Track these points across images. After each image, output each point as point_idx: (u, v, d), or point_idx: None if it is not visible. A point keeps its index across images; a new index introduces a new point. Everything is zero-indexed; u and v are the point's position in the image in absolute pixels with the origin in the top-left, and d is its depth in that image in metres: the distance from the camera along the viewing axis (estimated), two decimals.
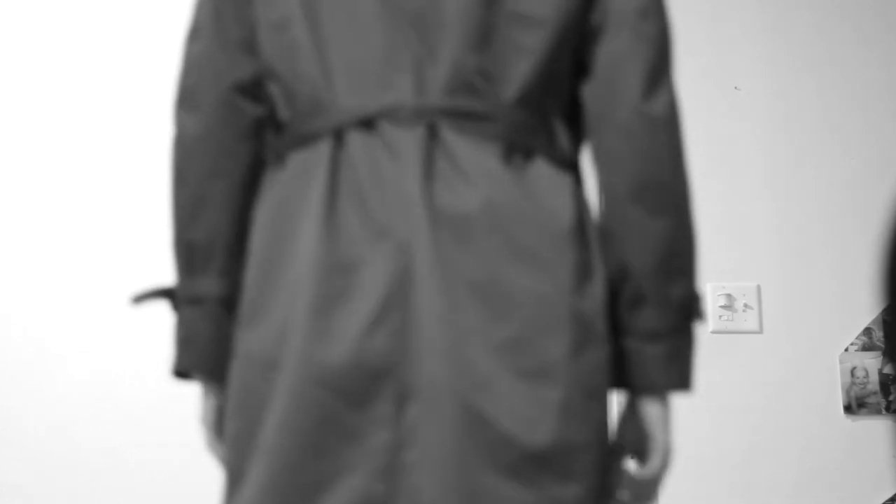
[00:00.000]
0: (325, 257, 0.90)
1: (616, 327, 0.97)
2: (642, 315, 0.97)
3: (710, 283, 2.35)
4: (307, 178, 0.94)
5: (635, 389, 1.00)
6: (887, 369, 2.30)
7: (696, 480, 2.29)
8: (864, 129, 2.44)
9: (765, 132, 2.44)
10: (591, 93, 0.99)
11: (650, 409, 1.01)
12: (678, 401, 2.43)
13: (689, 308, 1.00)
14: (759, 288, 2.36)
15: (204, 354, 1.03)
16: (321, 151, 0.94)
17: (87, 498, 2.25)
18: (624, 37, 0.97)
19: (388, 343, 0.88)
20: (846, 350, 2.33)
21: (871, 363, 2.32)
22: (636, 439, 1.02)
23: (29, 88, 2.41)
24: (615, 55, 0.97)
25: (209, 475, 2.25)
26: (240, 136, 1.02)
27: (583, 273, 0.93)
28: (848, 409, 2.31)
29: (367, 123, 0.93)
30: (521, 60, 0.96)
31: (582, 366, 0.91)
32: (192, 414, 2.11)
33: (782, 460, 2.29)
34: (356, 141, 0.93)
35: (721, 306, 2.34)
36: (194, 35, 1.05)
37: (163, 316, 2.01)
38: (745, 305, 2.35)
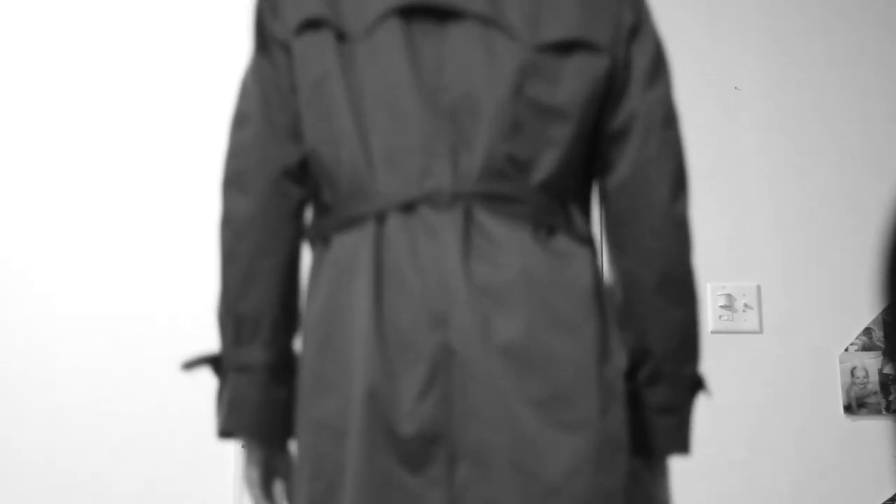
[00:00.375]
0: (375, 338, 0.99)
1: (631, 398, 1.07)
2: (657, 391, 1.09)
3: (710, 283, 2.35)
4: (354, 261, 1.03)
5: (645, 454, 1.10)
6: (887, 369, 2.30)
7: (696, 480, 2.29)
8: (864, 129, 2.44)
9: (765, 132, 2.44)
10: (620, 191, 1.08)
11: (656, 471, 1.13)
12: None
13: (696, 385, 1.13)
14: (759, 288, 2.36)
15: (252, 417, 1.10)
16: (365, 235, 1.02)
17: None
18: (653, 143, 1.08)
19: (435, 411, 0.98)
20: (846, 350, 2.33)
21: (871, 363, 2.32)
22: (641, 496, 1.12)
23: (27, 84, 2.41)
24: (645, 160, 1.08)
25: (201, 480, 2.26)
26: (286, 217, 1.10)
27: (603, 338, 1.03)
28: (848, 409, 2.31)
29: (408, 207, 1.02)
30: (549, 150, 1.05)
31: (609, 423, 1.01)
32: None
33: (782, 460, 2.29)
34: (397, 224, 1.02)
35: (721, 306, 2.34)
36: (241, 121, 1.12)
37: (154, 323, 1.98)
38: (745, 305, 2.35)
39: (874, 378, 2.31)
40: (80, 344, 2.30)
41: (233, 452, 2.27)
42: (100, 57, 2.43)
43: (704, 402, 2.28)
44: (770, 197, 2.40)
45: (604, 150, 1.09)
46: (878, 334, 2.33)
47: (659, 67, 1.11)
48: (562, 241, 1.05)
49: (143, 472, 2.26)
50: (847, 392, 2.31)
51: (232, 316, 1.11)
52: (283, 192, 1.09)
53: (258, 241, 1.10)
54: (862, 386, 2.31)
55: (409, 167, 1.03)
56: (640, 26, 1.09)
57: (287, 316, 1.11)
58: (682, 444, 1.13)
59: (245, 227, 1.10)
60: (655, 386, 1.09)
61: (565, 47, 1.05)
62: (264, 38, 1.13)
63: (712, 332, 2.34)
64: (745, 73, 2.46)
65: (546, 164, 1.05)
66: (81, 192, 2.37)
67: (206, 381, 2.39)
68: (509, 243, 1.01)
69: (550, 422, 0.99)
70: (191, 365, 1.15)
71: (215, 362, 1.14)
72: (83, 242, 2.35)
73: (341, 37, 1.07)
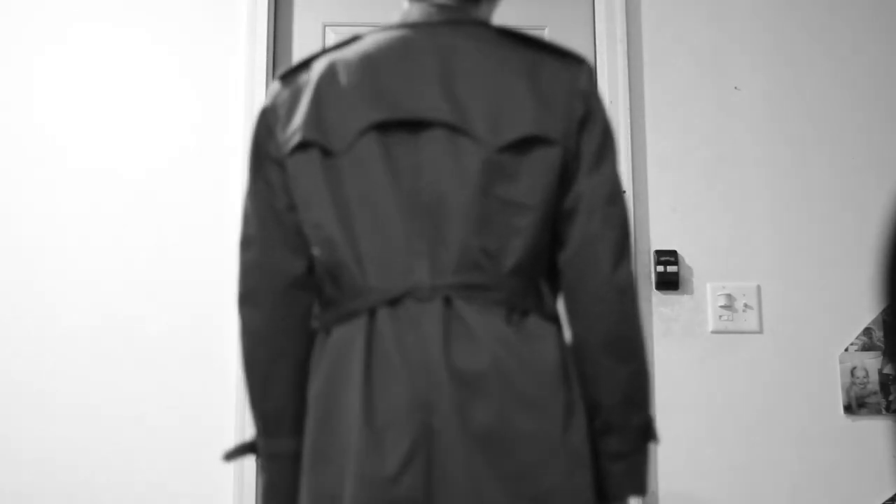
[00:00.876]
0: (365, 416, 1.13)
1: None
2: (609, 441, 1.20)
3: (710, 283, 2.35)
4: (349, 350, 1.17)
5: (604, 498, 1.22)
6: (887, 369, 2.31)
7: (696, 480, 2.29)
8: (864, 129, 2.44)
9: (765, 132, 2.44)
10: (569, 264, 1.20)
11: None
12: (678, 400, 2.43)
13: (646, 432, 1.22)
14: (759, 288, 2.36)
15: (285, 496, 1.26)
16: (359, 326, 1.17)
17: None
18: (596, 220, 1.19)
19: (415, 481, 1.11)
20: (846, 350, 2.33)
21: (871, 363, 2.32)
22: None
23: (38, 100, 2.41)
24: (589, 236, 1.19)
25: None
26: (297, 323, 1.25)
27: (569, 410, 1.16)
28: (848, 409, 2.31)
29: (394, 301, 1.16)
30: (516, 239, 1.18)
31: (575, 486, 1.14)
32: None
33: (782, 460, 2.29)
34: (386, 316, 1.16)
35: (721, 306, 2.34)
36: (246, 244, 1.26)
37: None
38: (745, 305, 2.35)
39: (874, 378, 2.31)
40: (80, 345, 2.31)
41: None
42: (105, 77, 2.44)
43: (705, 402, 2.29)
44: (770, 197, 2.41)
45: (558, 228, 1.22)
46: (878, 334, 2.33)
47: (604, 150, 1.22)
48: (533, 322, 1.18)
49: (143, 472, 2.26)
50: (847, 392, 2.31)
51: (258, 413, 1.27)
52: (290, 302, 1.24)
53: (273, 349, 1.25)
54: (862, 386, 2.31)
55: (394, 266, 1.17)
56: (588, 116, 1.21)
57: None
58: (635, 486, 1.22)
59: (260, 337, 1.25)
60: (607, 435, 1.20)
61: (523, 144, 1.18)
62: (260, 159, 1.27)
63: (712, 332, 2.34)
64: (745, 73, 2.47)
65: (515, 251, 1.18)
66: (83, 196, 2.37)
67: (206, 382, 2.41)
68: (485, 330, 1.15)
69: (519, 495, 1.12)
70: (232, 455, 1.29)
71: (253, 449, 1.29)
72: (85, 247, 2.35)
73: (327, 153, 1.20)
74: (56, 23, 2.45)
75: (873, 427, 2.31)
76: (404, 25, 1.25)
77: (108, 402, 2.28)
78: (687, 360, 2.32)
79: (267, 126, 1.27)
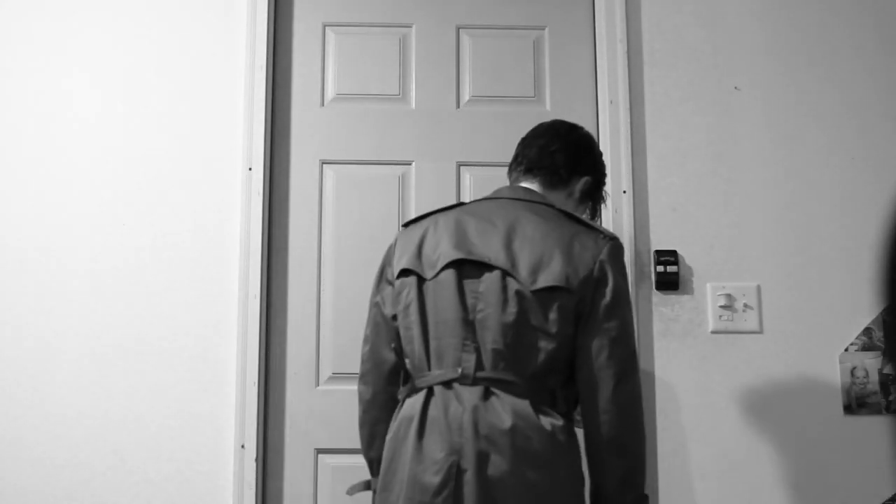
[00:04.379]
0: (416, 457, 1.66)
1: None
2: None
3: (710, 283, 2.35)
4: (411, 414, 1.70)
5: None
6: (887, 369, 2.31)
7: (697, 480, 2.29)
8: (864, 129, 2.44)
9: (765, 132, 2.44)
10: (582, 383, 1.67)
11: None
12: (678, 400, 2.43)
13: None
14: (759, 288, 2.36)
15: None
16: (420, 399, 1.69)
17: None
18: (603, 356, 1.65)
19: (446, 501, 1.62)
20: (846, 350, 2.33)
21: (871, 363, 2.32)
22: None
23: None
24: (598, 366, 1.65)
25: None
26: (392, 396, 1.81)
27: (571, 476, 1.65)
28: (848, 408, 2.31)
29: (447, 384, 1.68)
30: (536, 354, 1.66)
31: None
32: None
33: (782, 460, 2.29)
34: (439, 394, 1.68)
35: (721, 306, 2.34)
36: (365, 340, 1.86)
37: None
38: (745, 305, 2.35)
39: (874, 378, 2.31)
40: (80, 345, 2.31)
41: (233, 452, 2.27)
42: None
43: (705, 402, 2.29)
44: (770, 197, 2.41)
45: (575, 357, 1.68)
46: (878, 334, 2.33)
47: (615, 306, 1.67)
48: (548, 411, 1.64)
49: (143, 471, 2.26)
50: (847, 392, 2.31)
51: (367, 459, 1.87)
52: (390, 383, 1.82)
53: (376, 414, 1.83)
54: (862, 386, 2.31)
55: (449, 360, 1.69)
56: (602, 279, 1.68)
57: None
58: None
59: (368, 405, 1.84)
60: None
61: (552, 290, 1.67)
62: (380, 279, 1.84)
63: (712, 332, 2.34)
64: (745, 73, 2.47)
65: (534, 363, 1.65)
66: (81, 197, 2.37)
67: (206, 383, 2.40)
68: (511, 407, 1.62)
69: None
70: (353, 490, 1.89)
71: (369, 485, 1.87)
72: (84, 248, 2.35)
73: (421, 278, 1.74)
74: (55, 23, 2.45)
75: (873, 427, 2.31)
76: (494, 197, 1.82)
77: (107, 401, 2.28)
78: (687, 360, 2.32)
79: (388, 257, 1.84)
